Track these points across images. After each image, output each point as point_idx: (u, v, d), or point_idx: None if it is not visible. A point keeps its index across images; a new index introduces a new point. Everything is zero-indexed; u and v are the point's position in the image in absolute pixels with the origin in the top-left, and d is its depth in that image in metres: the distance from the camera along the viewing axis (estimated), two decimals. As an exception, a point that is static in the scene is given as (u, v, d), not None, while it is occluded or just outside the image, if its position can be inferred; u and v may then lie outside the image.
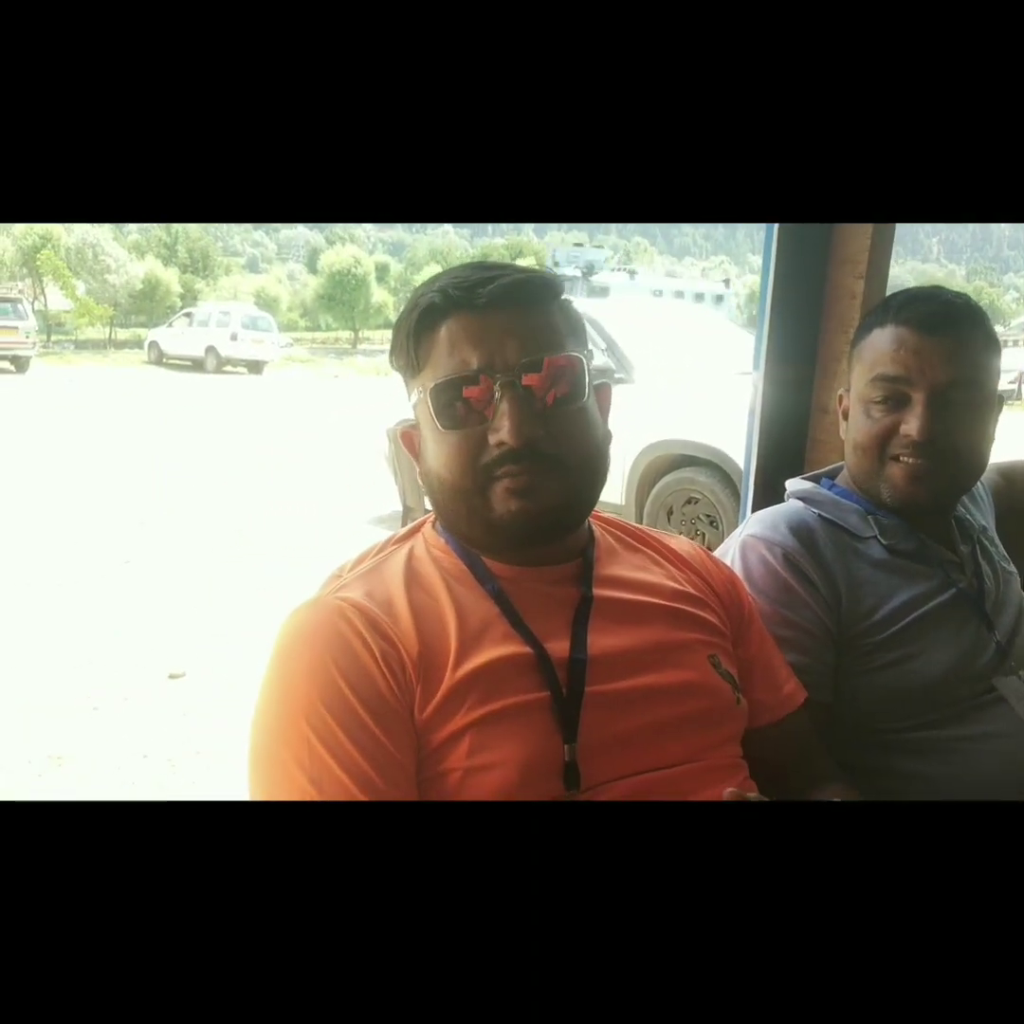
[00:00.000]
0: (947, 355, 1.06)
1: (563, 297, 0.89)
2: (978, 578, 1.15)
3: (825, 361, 1.55)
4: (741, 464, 4.96)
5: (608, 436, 0.91)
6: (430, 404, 0.84)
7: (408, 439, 0.93)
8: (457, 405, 0.83)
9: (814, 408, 1.57)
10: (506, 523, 0.84)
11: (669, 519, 5.16)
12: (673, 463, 5.17)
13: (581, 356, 0.86)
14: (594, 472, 0.88)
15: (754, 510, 1.55)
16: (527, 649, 0.83)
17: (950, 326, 1.07)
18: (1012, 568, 1.24)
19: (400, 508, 5.60)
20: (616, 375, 5.37)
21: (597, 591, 0.89)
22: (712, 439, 4.93)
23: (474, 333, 0.83)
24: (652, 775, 0.82)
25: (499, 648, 0.82)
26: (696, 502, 5.06)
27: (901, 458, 1.10)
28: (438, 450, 0.86)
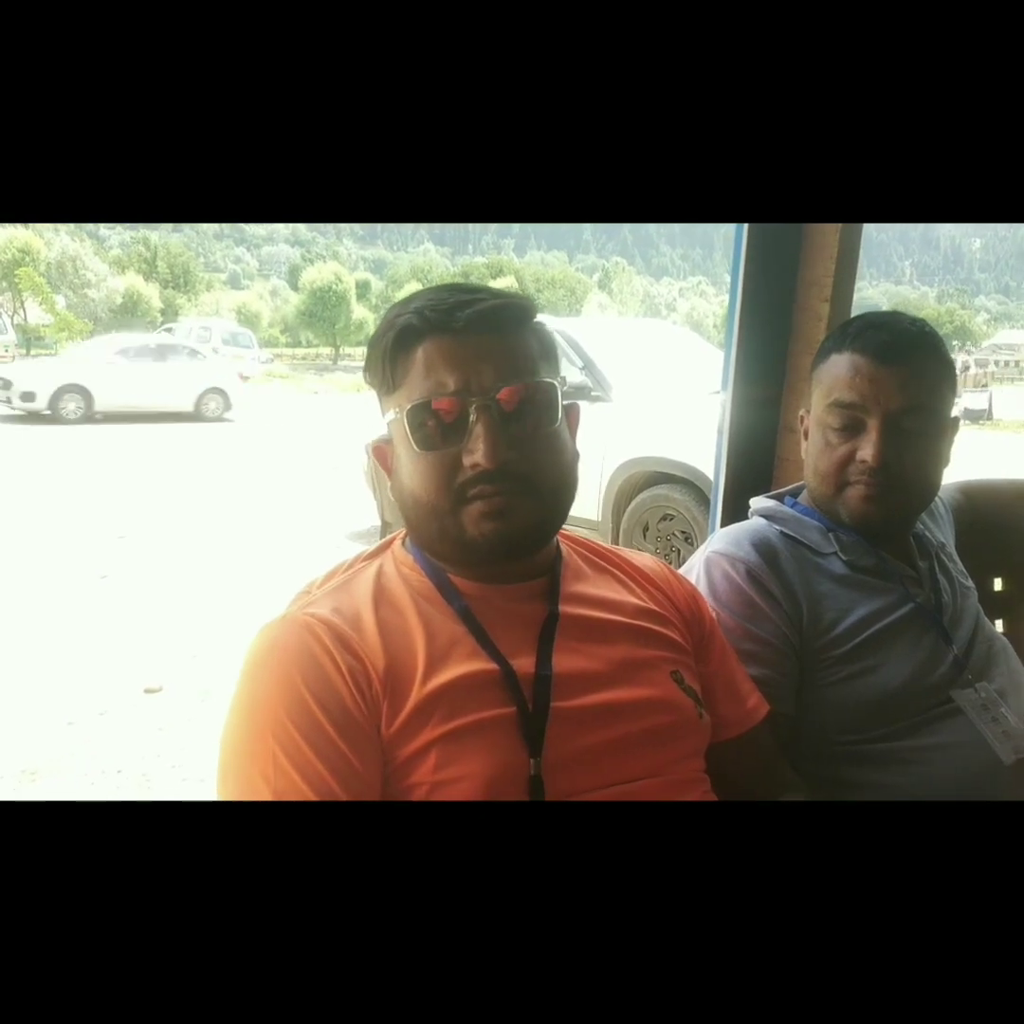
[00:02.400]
0: (901, 383, 1.10)
1: (537, 321, 0.91)
2: (936, 593, 1.19)
3: (792, 381, 1.59)
4: (706, 473, 4.99)
5: (577, 456, 0.93)
6: (406, 424, 0.86)
7: (381, 454, 0.94)
8: (432, 426, 0.85)
9: (781, 427, 1.61)
10: (478, 543, 0.86)
11: (645, 535, 5.19)
12: (648, 480, 5.21)
13: (554, 381, 0.88)
14: (564, 493, 0.90)
15: (722, 525, 1.58)
16: (493, 666, 0.85)
17: (904, 355, 1.11)
18: (969, 583, 1.27)
19: (378, 523, 5.60)
20: (593, 393, 5.42)
21: (563, 608, 0.91)
22: (687, 457, 4.97)
23: (451, 356, 0.85)
24: (616, 789, 0.84)
25: (466, 665, 0.84)
26: (672, 519, 5.10)
27: (856, 482, 1.14)
28: (412, 469, 0.88)
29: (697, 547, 4.45)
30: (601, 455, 5.16)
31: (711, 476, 5.01)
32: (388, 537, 0.98)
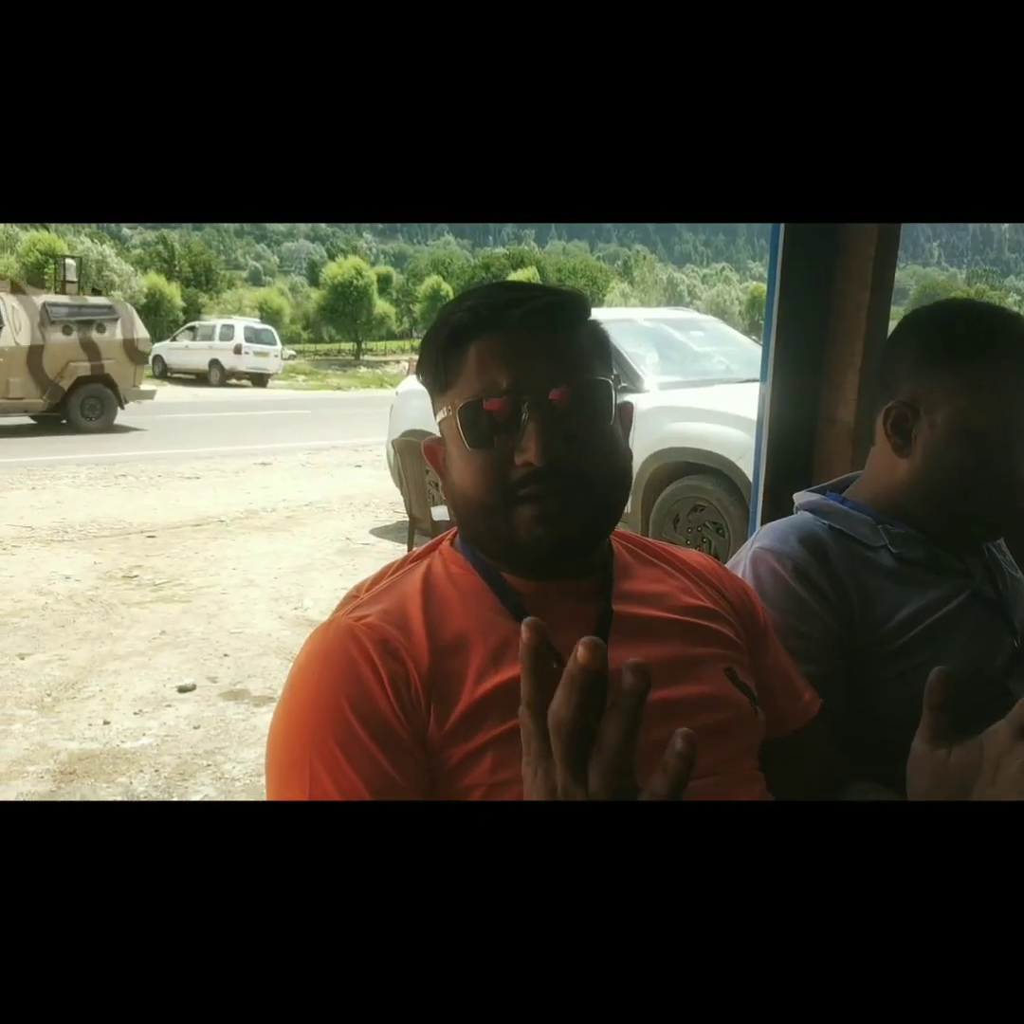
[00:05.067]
0: None
1: (591, 318, 0.90)
2: (991, 583, 1.17)
3: (831, 372, 1.56)
4: (746, 472, 4.99)
5: (629, 455, 0.92)
6: (458, 422, 0.86)
7: (432, 454, 0.94)
8: (484, 424, 0.85)
9: (821, 419, 1.58)
10: (530, 547, 0.85)
11: (675, 526, 5.17)
12: (679, 471, 5.19)
13: (608, 379, 0.88)
14: (618, 492, 0.90)
15: (763, 520, 1.56)
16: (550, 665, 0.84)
17: None
18: (1019, 574, 1.25)
19: (406, 519, 5.62)
20: (621, 385, 5.39)
21: (616, 606, 0.90)
22: (718, 447, 4.95)
23: (503, 354, 0.85)
24: None
25: (519, 665, 0.83)
26: (702, 510, 5.08)
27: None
28: (464, 467, 0.87)
29: (729, 538, 4.46)
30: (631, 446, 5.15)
31: (742, 466, 5.02)
32: (438, 537, 0.98)
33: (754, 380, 5.61)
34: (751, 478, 4.96)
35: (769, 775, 0.93)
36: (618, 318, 6.55)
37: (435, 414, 0.91)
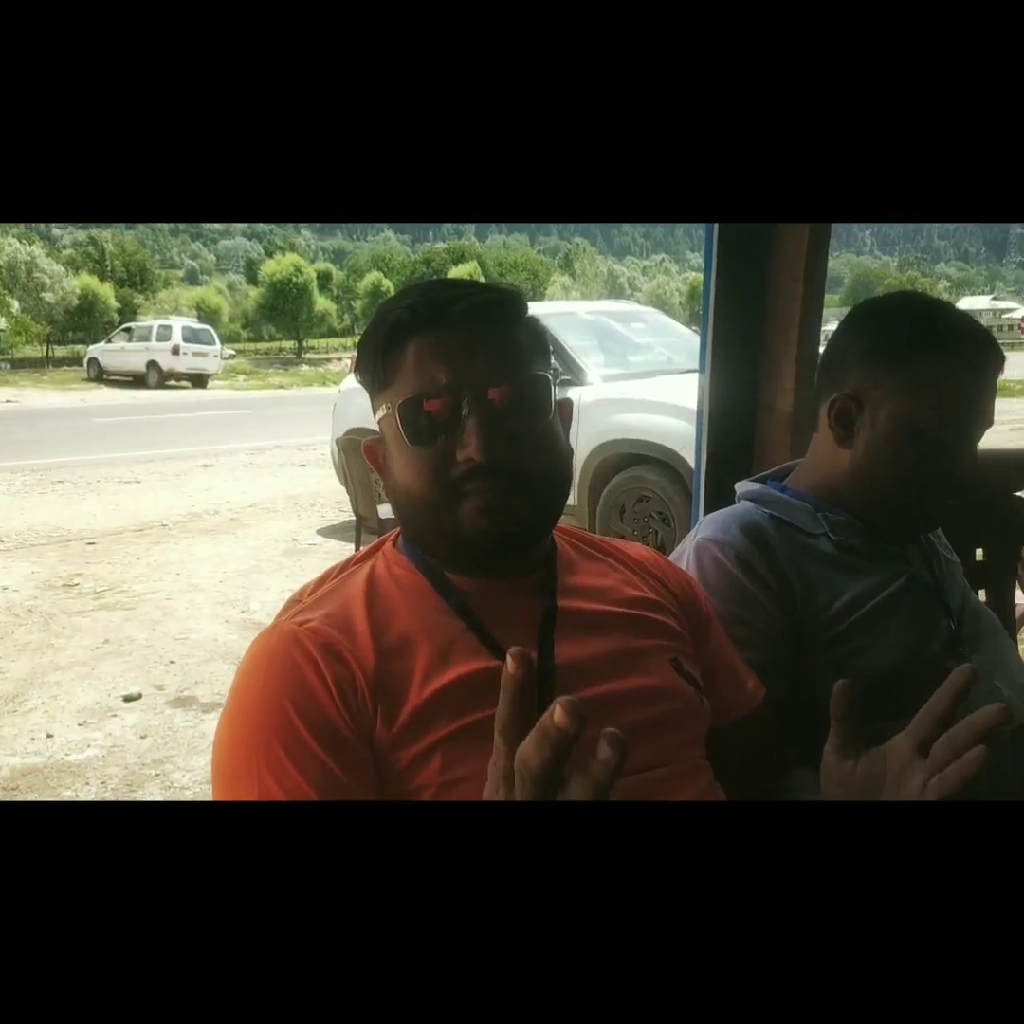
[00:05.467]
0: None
1: (529, 315, 0.91)
2: (928, 568, 1.19)
3: (768, 361, 1.58)
4: (689, 461, 5.06)
5: (569, 450, 0.93)
6: (398, 419, 0.85)
7: (371, 452, 0.94)
8: (424, 421, 0.84)
9: (760, 407, 1.61)
10: (474, 540, 0.85)
11: (622, 518, 5.21)
12: (624, 462, 5.22)
13: (547, 374, 0.88)
14: (559, 487, 0.90)
15: (706, 510, 1.58)
16: (496, 662, 0.84)
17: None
18: (955, 558, 1.28)
19: (353, 517, 5.57)
20: (563, 378, 5.42)
21: (561, 601, 0.90)
22: (661, 437, 4.99)
23: (443, 350, 0.85)
24: (622, 781, 0.83)
25: (468, 663, 0.83)
26: (648, 500, 5.12)
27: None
28: (405, 465, 0.87)
29: (675, 527, 4.50)
30: (574, 439, 5.16)
31: (685, 456, 5.08)
32: (380, 538, 0.97)
33: (695, 370, 5.67)
34: (693, 467, 5.01)
35: (715, 764, 0.94)
36: (559, 311, 6.57)
37: (374, 412, 0.91)
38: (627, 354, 6.11)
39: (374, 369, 0.88)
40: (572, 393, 5.29)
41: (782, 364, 1.57)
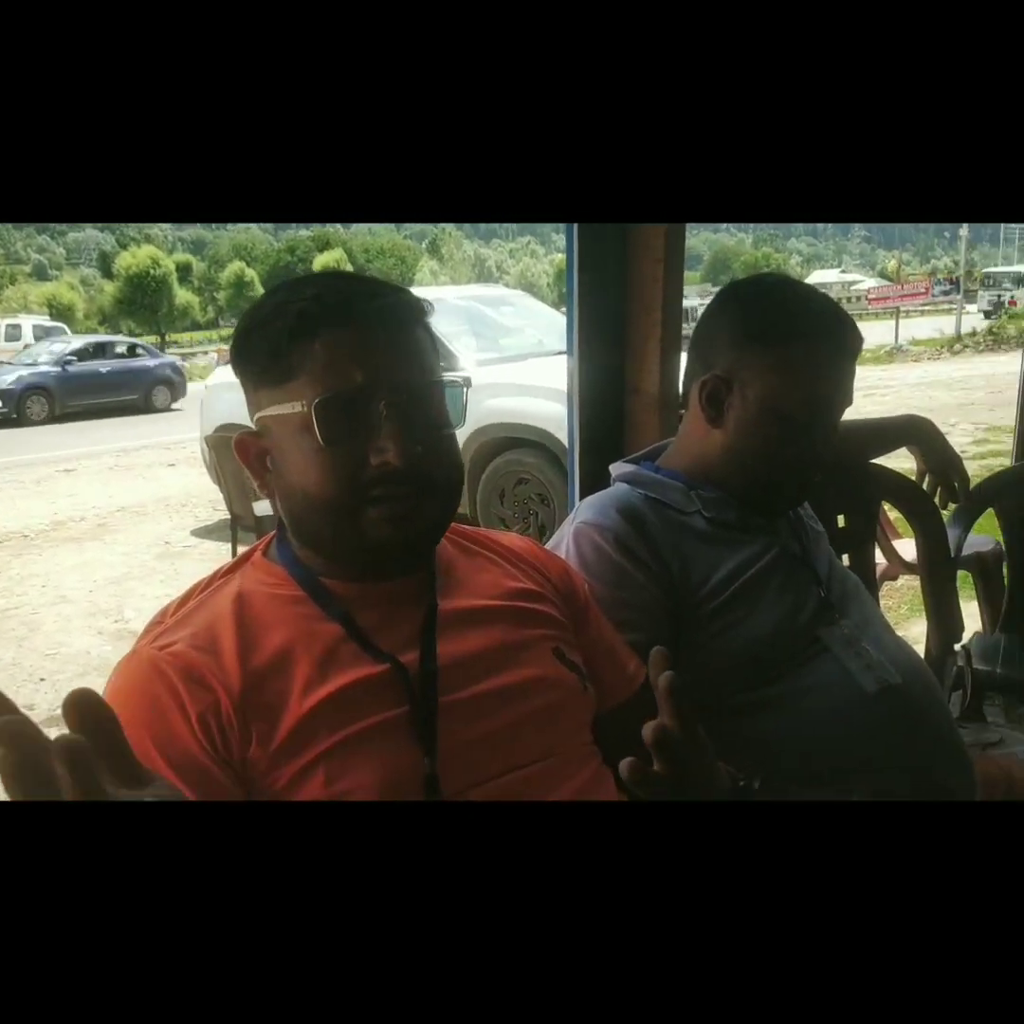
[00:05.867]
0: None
1: (428, 320, 0.89)
2: (796, 539, 1.24)
3: (632, 343, 1.61)
4: (565, 442, 5.13)
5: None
6: (315, 418, 0.80)
7: (244, 449, 0.88)
8: (341, 420, 0.81)
9: (626, 389, 1.63)
10: (378, 546, 0.83)
11: (502, 501, 5.23)
12: (501, 446, 5.24)
13: (457, 379, 0.89)
14: (458, 494, 0.90)
15: (581, 492, 1.60)
16: (380, 667, 0.82)
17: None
18: (820, 528, 1.33)
19: (228, 516, 5.42)
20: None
21: (441, 600, 0.90)
22: (536, 420, 5.03)
23: (356, 348, 0.82)
24: (512, 776, 0.84)
25: (351, 671, 0.82)
26: (527, 482, 5.16)
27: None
28: (309, 466, 0.82)
29: (554, 508, 4.55)
30: (450, 425, 5.16)
31: (560, 436, 5.13)
32: (247, 550, 0.94)
33: (564, 352, 5.70)
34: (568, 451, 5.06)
35: (603, 748, 0.95)
36: (430, 297, 6.52)
37: (260, 407, 0.85)
38: (499, 338, 6.13)
39: (272, 361, 0.83)
40: (446, 379, 5.28)
41: (646, 346, 1.60)
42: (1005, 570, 2.59)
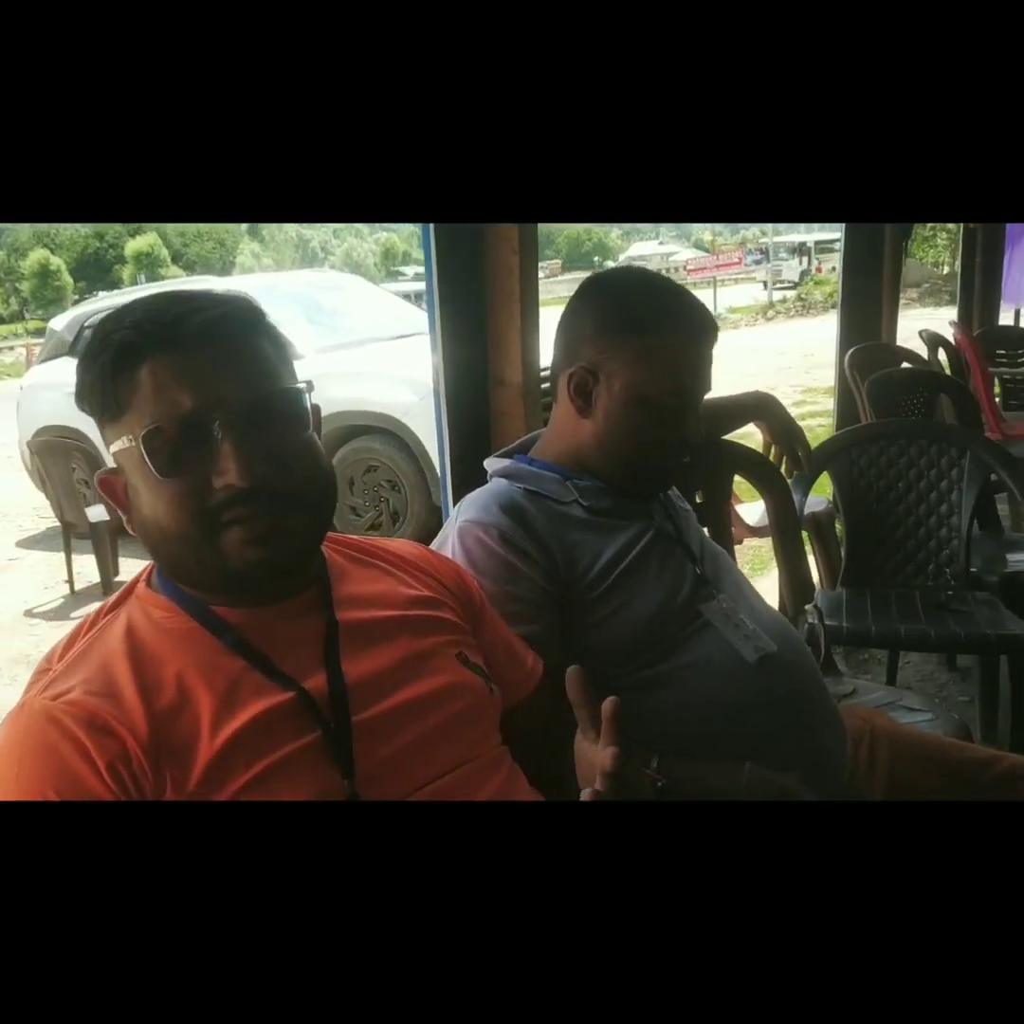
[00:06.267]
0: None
1: (268, 322, 0.85)
2: (669, 520, 1.28)
3: (494, 335, 1.62)
4: (411, 427, 5.09)
5: (324, 452, 0.89)
6: (142, 451, 0.78)
7: (109, 487, 0.85)
8: (172, 450, 0.78)
9: (491, 381, 1.64)
10: (244, 571, 0.80)
11: (352, 489, 5.16)
12: (347, 434, 5.16)
13: (299, 385, 0.84)
14: (328, 502, 0.87)
15: (454, 487, 1.61)
16: (287, 694, 0.80)
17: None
18: (687, 506, 1.39)
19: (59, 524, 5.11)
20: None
21: (340, 615, 0.88)
22: (381, 406, 4.98)
23: (183, 372, 0.78)
24: (431, 787, 0.84)
25: (258, 702, 0.79)
26: (376, 469, 5.10)
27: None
28: (155, 499, 0.80)
29: (405, 494, 4.52)
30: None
31: (406, 421, 5.10)
32: (131, 581, 0.89)
33: (404, 336, 5.65)
34: (416, 433, 5.03)
35: (511, 746, 0.96)
36: (261, 286, 6.33)
37: (107, 444, 0.83)
38: (335, 324, 6.00)
39: (102, 398, 0.80)
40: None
41: (507, 337, 1.61)
42: (838, 528, 2.78)
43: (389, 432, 5.00)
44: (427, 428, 4.97)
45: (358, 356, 5.35)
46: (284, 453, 0.81)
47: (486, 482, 1.29)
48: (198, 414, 0.78)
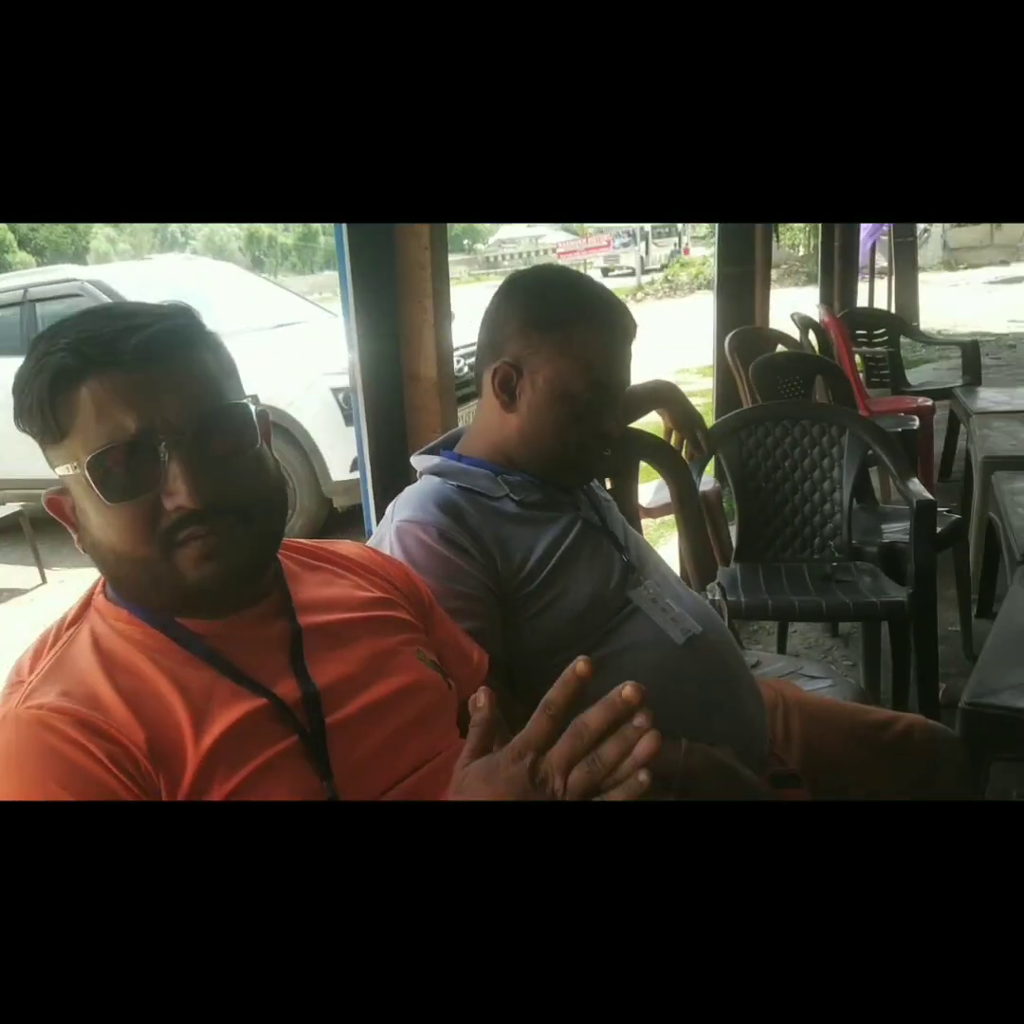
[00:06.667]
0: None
1: (210, 335, 0.84)
2: (595, 511, 1.33)
3: (407, 332, 1.63)
4: (296, 417, 5.00)
5: (277, 464, 0.90)
6: (88, 476, 0.77)
7: (57, 507, 0.84)
8: (119, 474, 0.77)
9: (405, 377, 1.65)
10: (201, 586, 0.81)
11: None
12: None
13: (245, 400, 0.84)
14: (280, 511, 0.88)
15: (374, 483, 1.62)
16: (260, 701, 0.81)
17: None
18: (607, 496, 1.44)
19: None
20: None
21: (302, 620, 0.89)
22: (265, 398, 4.86)
23: (125, 393, 0.77)
24: (404, 784, 0.86)
25: (232, 710, 0.79)
26: (262, 462, 5.01)
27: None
28: (106, 523, 0.79)
29: (293, 482, 4.47)
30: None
31: (291, 412, 5.01)
32: (84, 595, 0.88)
33: (283, 325, 5.51)
34: (303, 425, 4.94)
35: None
36: (127, 273, 6.09)
37: (52, 466, 0.82)
38: (210, 314, 5.80)
39: (42, 420, 0.79)
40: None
41: (421, 332, 1.63)
42: (728, 507, 2.91)
43: (275, 424, 4.90)
44: (312, 420, 4.90)
45: (237, 346, 5.21)
46: (233, 470, 0.81)
47: (406, 476, 1.31)
48: (143, 436, 0.77)
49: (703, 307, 10.88)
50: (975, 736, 1.44)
